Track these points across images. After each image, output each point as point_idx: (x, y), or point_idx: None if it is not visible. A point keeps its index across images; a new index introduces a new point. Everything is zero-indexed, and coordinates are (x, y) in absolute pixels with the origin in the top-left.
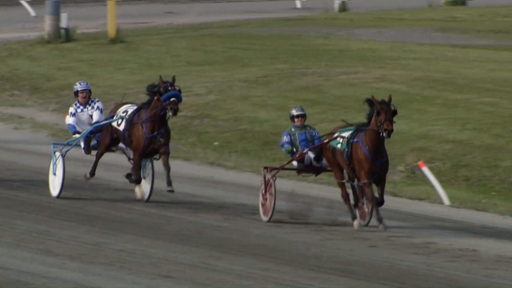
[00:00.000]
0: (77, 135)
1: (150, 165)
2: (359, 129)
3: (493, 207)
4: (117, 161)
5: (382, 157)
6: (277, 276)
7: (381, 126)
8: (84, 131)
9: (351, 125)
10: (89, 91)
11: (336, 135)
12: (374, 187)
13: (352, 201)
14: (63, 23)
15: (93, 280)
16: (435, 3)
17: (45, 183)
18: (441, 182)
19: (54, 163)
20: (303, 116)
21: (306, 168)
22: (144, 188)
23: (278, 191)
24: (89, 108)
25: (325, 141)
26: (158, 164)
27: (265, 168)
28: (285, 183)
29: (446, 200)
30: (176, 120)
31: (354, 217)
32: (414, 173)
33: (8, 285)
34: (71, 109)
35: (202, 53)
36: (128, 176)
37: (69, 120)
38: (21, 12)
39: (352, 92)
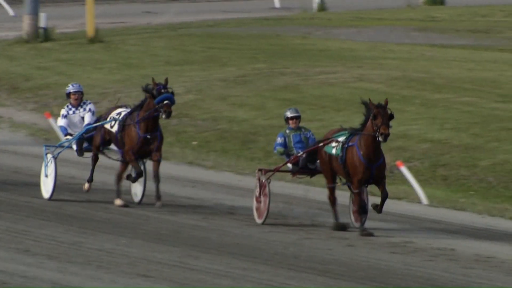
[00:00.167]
0: (68, 137)
1: (142, 167)
2: (354, 133)
3: (471, 206)
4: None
5: (378, 159)
6: (255, 275)
7: (378, 130)
8: (75, 133)
9: (345, 129)
10: (82, 93)
11: (331, 139)
12: (374, 188)
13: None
14: (42, 23)
15: (71, 279)
16: (414, 3)
17: (23, 183)
18: (419, 181)
19: (46, 165)
20: (297, 118)
21: (301, 170)
22: (136, 190)
23: (273, 194)
24: (81, 110)
25: (320, 144)
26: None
27: (260, 170)
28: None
29: (424, 199)
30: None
31: (336, 219)
32: (393, 173)
33: None
34: (63, 111)
35: (180, 52)
36: (129, 177)
37: (61, 122)
38: (0, 12)
39: (330, 92)
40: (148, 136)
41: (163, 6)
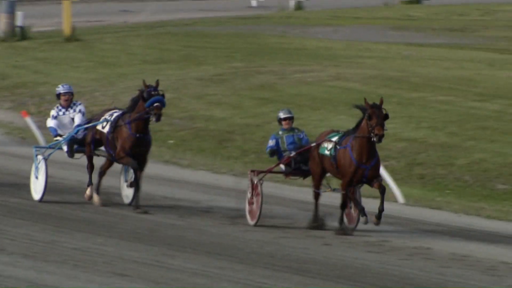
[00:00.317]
0: (59, 138)
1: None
2: (348, 133)
3: (448, 205)
4: (70, 160)
5: (371, 161)
6: (232, 274)
7: (372, 131)
8: (65, 134)
9: (338, 131)
10: (72, 93)
11: (324, 139)
12: (370, 188)
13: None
14: (19, 22)
15: (47, 278)
16: (391, 2)
17: None
18: (395, 180)
19: (36, 167)
20: (290, 119)
21: (294, 172)
22: (127, 192)
23: (265, 195)
24: (71, 111)
25: (312, 144)
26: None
27: (252, 171)
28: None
29: (400, 198)
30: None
31: (315, 221)
32: None
33: None
34: (53, 112)
35: (157, 51)
36: (132, 184)
37: (50, 123)
38: None
39: (307, 91)
40: (137, 135)
41: (140, 4)
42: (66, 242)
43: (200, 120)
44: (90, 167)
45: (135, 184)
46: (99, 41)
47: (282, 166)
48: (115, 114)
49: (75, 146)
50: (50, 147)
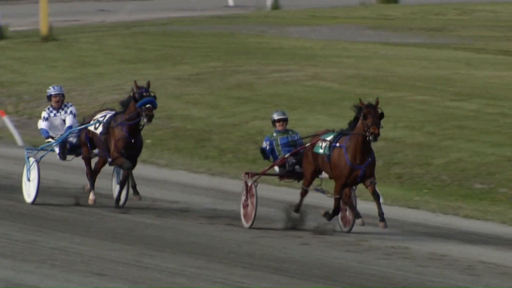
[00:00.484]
0: (50, 140)
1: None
2: (343, 133)
3: (425, 204)
4: (48, 159)
5: (366, 160)
6: (210, 274)
7: (368, 130)
8: (57, 136)
9: (333, 131)
10: (63, 95)
11: (319, 139)
12: (364, 188)
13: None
14: None
15: (25, 278)
16: (368, 2)
17: None
18: None
19: (28, 169)
20: (284, 120)
21: (288, 174)
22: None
23: (260, 197)
24: (62, 112)
25: (307, 145)
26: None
27: (246, 173)
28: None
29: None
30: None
31: (296, 210)
32: None
33: None
34: (44, 114)
35: (134, 51)
36: (134, 189)
37: (42, 124)
38: None
39: (284, 90)
40: (133, 138)
41: (117, 4)
42: (45, 241)
43: (177, 119)
44: (90, 171)
45: (121, 183)
46: (76, 40)
47: (276, 168)
48: (108, 115)
49: (67, 148)
50: (42, 149)
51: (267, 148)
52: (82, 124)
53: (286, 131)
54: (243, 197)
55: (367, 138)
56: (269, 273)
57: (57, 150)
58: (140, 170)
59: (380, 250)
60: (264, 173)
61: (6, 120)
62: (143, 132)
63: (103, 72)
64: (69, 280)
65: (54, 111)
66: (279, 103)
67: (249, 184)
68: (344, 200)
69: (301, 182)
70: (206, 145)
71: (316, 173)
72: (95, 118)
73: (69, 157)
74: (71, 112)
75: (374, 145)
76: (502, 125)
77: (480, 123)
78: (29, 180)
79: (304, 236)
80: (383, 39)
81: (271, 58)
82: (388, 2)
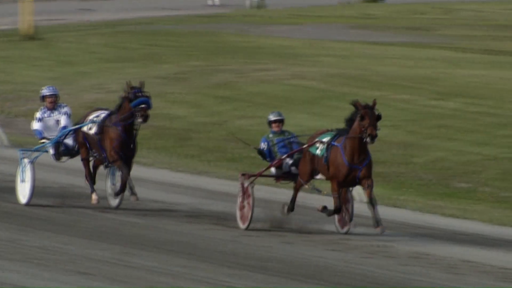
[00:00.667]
0: (44, 141)
1: (119, 172)
2: (340, 133)
3: (408, 203)
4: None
5: (364, 161)
6: (194, 273)
7: (365, 131)
8: (52, 137)
9: (332, 130)
10: (56, 96)
11: (316, 140)
12: (360, 190)
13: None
14: None
15: (10, 277)
16: (352, 1)
17: None
18: None
19: (22, 170)
20: (280, 121)
21: (284, 175)
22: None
23: (256, 198)
24: (56, 113)
25: (304, 146)
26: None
27: (243, 174)
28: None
29: (360, 196)
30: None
31: (289, 209)
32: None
33: None
34: (38, 114)
35: (118, 50)
36: (131, 190)
37: (36, 125)
38: None
39: (267, 89)
40: (128, 138)
41: (100, 3)
42: (30, 241)
43: (160, 118)
44: (89, 173)
45: (132, 191)
46: (59, 39)
47: (272, 170)
48: (102, 115)
49: (62, 149)
50: (36, 150)
51: (265, 149)
52: (75, 125)
53: (282, 132)
54: (239, 198)
55: (364, 140)
56: (254, 272)
57: (51, 151)
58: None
59: (364, 249)
60: (260, 174)
61: None
62: None
63: (86, 71)
64: (54, 279)
65: (48, 112)
66: (261, 102)
67: (246, 185)
68: (342, 200)
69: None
70: (189, 144)
71: (313, 174)
72: (88, 118)
73: (63, 158)
74: (65, 113)
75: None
76: (485, 124)
77: (462, 122)
78: (23, 181)
79: (288, 235)
80: (367, 39)
81: (253, 57)
82: (372, 1)
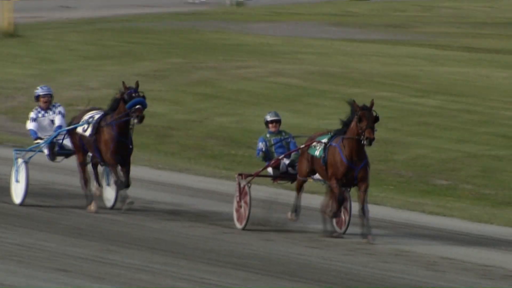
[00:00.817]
0: (39, 141)
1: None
2: (337, 134)
3: (389, 200)
4: (9, 155)
5: (360, 162)
6: (175, 270)
7: (363, 133)
8: (46, 137)
9: (330, 132)
10: (51, 95)
11: (314, 141)
12: (355, 192)
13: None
14: None
15: None
16: None
17: None
18: None
19: (17, 170)
20: (277, 122)
21: (282, 175)
22: (109, 195)
23: (254, 198)
24: (50, 113)
25: (302, 146)
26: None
27: (240, 174)
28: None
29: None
30: (70, 115)
31: (294, 210)
32: None
33: None
34: (32, 114)
35: (97, 47)
36: (116, 183)
37: (30, 125)
38: None
39: (246, 86)
40: (123, 138)
41: (80, 0)
42: (8, 238)
43: None
44: (85, 178)
45: (122, 183)
46: (39, 37)
47: (269, 170)
48: (96, 116)
49: (56, 149)
50: (30, 150)
51: (263, 149)
52: (69, 125)
53: (279, 132)
54: (236, 198)
55: (362, 142)
56: (234, 269)
57: (46, 151)
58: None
59: (344, 246)
60: (257, 174)
61: None
62: None
63: (66, 68)
64: (34, 276)
65: (42, 112)
66: (241, 99)
67: (242, 185)
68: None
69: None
70: (169, 141)
71: (311, 173)
72: (83, 118)
73: (58, 158)
74: (59, 112)
75: None
76: (465, 121)
77: (443, 119)
78: (17, 181)
79: (269, 232)
80: (347, 36)
81: (233, 54)
82: None
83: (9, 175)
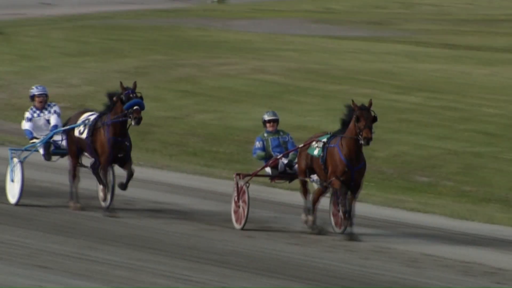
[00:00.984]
0: (35, 141)
1: (110, 172)
2: (335, 134)
3: (369, 197)
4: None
5: (358, 163)
6: (154, 267)
7: (360, 133)
8: (42, 137)
9: (329, 133)
10: (46, 95)
11: (312, 141)
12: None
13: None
14: None
15: None
16: None
17: None
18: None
19: (12, 170)
20: (275, 121)
21: (280, 175)
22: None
23: (252, 198)
24: (46, 112)
25: (301, 145)
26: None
27: (238, 174)
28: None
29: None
30: None
31: (307, 212)
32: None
33: None
34: (27, 114)
35: (78, 44)
36: (124, 188)
37: (26, 125)
38: None
39: (228, 84)
40: (119, 139)
41: None
42: None
43: None
44: (74, 175)
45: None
46: (19, 34)
47: (268, 169)
48: (92, 117)
49: (52, 148)
50: (26, 150)
51: (260, 148)
52: (64, 125)
53: (277, 132)
54: (234, 199)
55: (360, 142)
56: (214, 266)
57: (41, 151)
58: (84, 163)
59: (324, 243)
60: (255, 174)
61: None
62: None
63: (46, 66)
64: (13, 273)
65: (38, 112)
66: (222, 96)
67: (241, 185)
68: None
69: (293, 183)
70: (150, 138)
71: (309, 172)
72: (79, 119)
73: (54, 157)
74: (55, 112)
75: None
76: (445, 118)
77: (423, 116)
78: (12, 181)
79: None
80: (326, 33)
81: (214, 51)
82: None
83: (4, 175)
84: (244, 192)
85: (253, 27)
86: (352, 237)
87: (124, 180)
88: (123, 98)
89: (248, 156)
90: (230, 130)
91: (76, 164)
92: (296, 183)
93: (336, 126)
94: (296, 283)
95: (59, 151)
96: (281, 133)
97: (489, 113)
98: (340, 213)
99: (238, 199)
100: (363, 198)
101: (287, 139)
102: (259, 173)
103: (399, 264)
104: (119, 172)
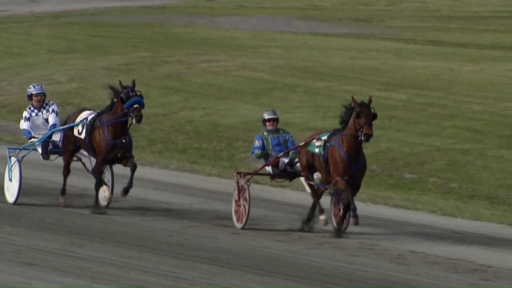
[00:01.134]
0: (33, 140)
1: (109, 172)
2: (335, 132)
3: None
4: None
5: (358, 161)
6: (140, 264)
7: (360, 130)
8: (40, 136)
9: (328, 131)
10: (44, 94)
11: (313, 138)
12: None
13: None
14: None
15: None
16: None
17: None
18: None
19: (10, 169)
20: (275, 120)
21: (280, 174)
22: (104, 193)
23: (252, 197)
24: (44, 111)
25: (301, 144)
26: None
27: (238, 173)
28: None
29: (307, 187)
30: None
31: (321, 211)
32: None
33: None
34: (25, 113)
35: (63, 41)
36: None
37: (24, 125)
38: None
39: (214, 80)
40: (118, 141)
41: None
42: None
43: None
44: (67, 171)
45: (126, 190)
46: (5, 30)
47: (268, 168)
48: (90, 117)
49: (50, 147)
50: (24, 149)
51: (259, 147)
52: (63, 124)
53: (276, 130)
54: (235, 198)
55: (359, 138)
56: (200, 262)
57: (39, 150)
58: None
59: (311, 240)
60: (256, 173)
61: None
62: None
63: (32, 62)
64: (0, 270)
65: (36, 111)
66: (208, 93)
67: (241, 184)
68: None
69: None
70: (136, 135)
71: (310, 169)
72: (77, 119)
73: (52, 156)
74: (53, 111)
75: (304, 135)
76: (431, 115)
77: (409, 113)
78: (10, 179)
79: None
80: (312, 30)
81: (200, 48)
82: None
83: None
84: (244, 191)
85: (240, 24)
86: (338, 233)
87: (125, 185)
88: (123, 97)
89: (236, 153)
90: (217, 127)
91: (70, 161)
92: (295, 181)
93: (324, 123)
94: (285, 280)
95: (58, 150)
96: (281, 132)
97: (475, 110)
98: (341, 212)
99: (239, 198)
100: None
101: (287, 138)
102: (260, 171)
103: (387, 261)
104: (120, 172)
